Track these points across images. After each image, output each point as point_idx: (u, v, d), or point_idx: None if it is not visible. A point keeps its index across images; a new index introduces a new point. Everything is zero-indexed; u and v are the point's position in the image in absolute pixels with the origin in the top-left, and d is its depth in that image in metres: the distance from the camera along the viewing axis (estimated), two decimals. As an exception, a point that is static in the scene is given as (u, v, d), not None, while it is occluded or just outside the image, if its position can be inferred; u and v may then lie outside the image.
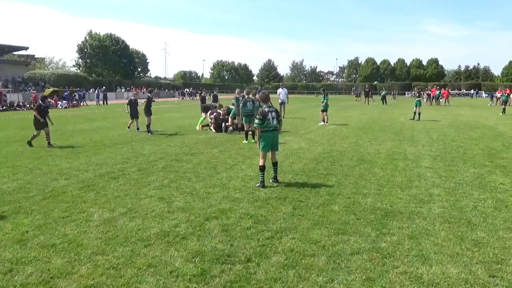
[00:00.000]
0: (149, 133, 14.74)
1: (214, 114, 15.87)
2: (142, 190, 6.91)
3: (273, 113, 7.29)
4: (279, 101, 22.56)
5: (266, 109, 7.28)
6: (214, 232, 4.94)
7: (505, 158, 9.97)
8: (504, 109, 26.46)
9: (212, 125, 15.67)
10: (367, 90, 45.35)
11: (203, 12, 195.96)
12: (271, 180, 7.40)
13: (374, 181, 7.58)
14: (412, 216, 5.58)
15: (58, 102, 36.91)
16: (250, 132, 12.83)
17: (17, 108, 33.32)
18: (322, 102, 18.79)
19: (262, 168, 7.19)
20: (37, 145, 12.08)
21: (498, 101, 39.00)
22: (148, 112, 15.08)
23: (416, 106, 21.22)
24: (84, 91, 45.61)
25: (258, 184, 7.14)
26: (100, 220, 5.36)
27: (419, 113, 20.98)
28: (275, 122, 7.27)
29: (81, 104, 40.82)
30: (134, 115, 15.70)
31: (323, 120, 18.74)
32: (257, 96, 13.36)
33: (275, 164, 7.48)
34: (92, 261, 4.15)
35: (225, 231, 4.99)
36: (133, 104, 15.79)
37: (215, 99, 21.61)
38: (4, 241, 4.67)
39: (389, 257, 4.27)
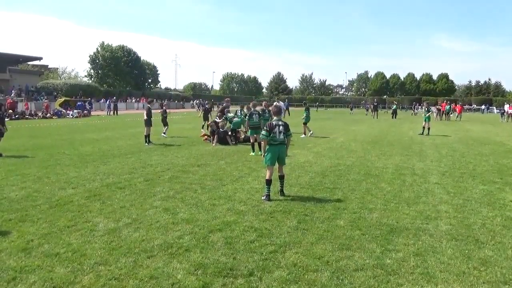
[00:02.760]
0: (147, 144, 14.83)
1: (213, 129, 15.83)
2: (148, 200, 6.93)
3: (281, 127, 7.23)
4: None
5: (274, 122, 7.27)
6: (218, 245, 4.93)
7: (515, 175, 9.82)
8: None
9: (214, 139, 15.46)
10: (375, 104, 45.43)
11: (214, 25, 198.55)
12: (279, 193, 7.37)
13: (381, 196, 7.51)
14: (418, 232, 5.50)
15: (69, 111, 37.50)
16: (257, 144, 12.90)
17: (28, 117, 33.83)
18: (304, 116, 19.46)
19: (268, 182, 7.15)
20: (46, 153, 12.24)
21: (510, 117, 38.63)
22: (148, 123, 15.23)
23: (425, 121, 21.11)
24: (90, 101, 46.15)
25: (264, 198, 7.09)
26: (105, 230, 5.39)
27: (429, 128, 20.85)
28: (281, 136, 7.22)
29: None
30: (164, 123, 18.06)
31: (304, 133, 19.21)
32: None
33: (281, 178, 7.44)
34: (95, 271, 4.16)
35: (228, 244, 4.97)
36: (163, 113, 18.27)
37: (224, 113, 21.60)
38: (9, 249, 4.70)
39: (394, 274, 4.21)
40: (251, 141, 13.15)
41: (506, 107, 39.70)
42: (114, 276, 4.04)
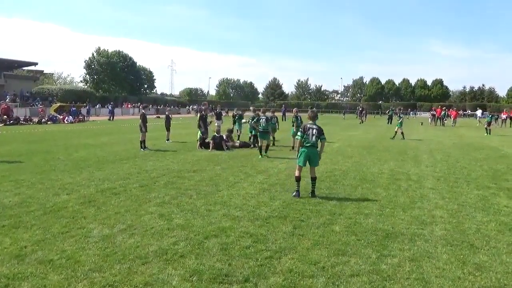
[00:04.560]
0: (143, 150, 14.78)
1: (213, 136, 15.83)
2: (143, 206, 6.90)
3: (315, 130, 7.63)
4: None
5: (308, 125, 7.71)
6: (213, 251, 4.90)
7: (510, 180, 9.89)
8: (487, 129, 27.17)
9: (211, 144, 15.42)
10: (360, 109, 45.95)
11: (210, 31, 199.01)
12: (310, 194, 7.69)
13: (376, 201, 7.53)
14: (413, 238, 5.51)
15: (65, 117, 37.24)
16: (264, 147, 13.65)
17: (23, 122, 33.61)
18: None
19: (297, 179, 7.65)
20: (41, 159, 12.16)
21: (504, 123, 39.11)
22: (143, 128, 15.15)
23: (397, 126, 21.96)
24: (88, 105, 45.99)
25: (294, 194, 7.61)
26: (99, 236, 5.35)
27: (396, 132, 21.69)
28: (313, 139, 7.60)
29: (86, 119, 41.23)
30: (167, 128, 18.61)
31: None
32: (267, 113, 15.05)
33: (313, 179, 7.74)
34: (88, 278, 4.12)
35: (224, 249, 4.95)
36: (167, 118, 18.95)
37: (219, 117, 21.62)
38: (2, 256, 4.65)
39: (389, 279, 4.21)
40: (259, 144, 13.63)
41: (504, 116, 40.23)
42: (109, 283, 4.01)
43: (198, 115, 17.98)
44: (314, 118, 7.91)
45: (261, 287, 4.00)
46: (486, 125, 27.58)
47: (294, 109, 17.62)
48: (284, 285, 4.03)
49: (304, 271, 4.37)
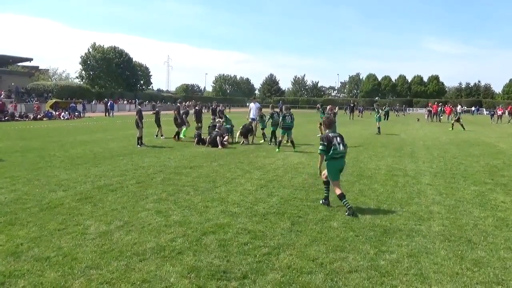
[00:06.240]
0: (139, 146, 14.72)
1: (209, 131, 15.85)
2: (140, 203, 6.86)
3: (338, 138, 6.67)
4: (250, 118, 19.41)
5: (331, 134, 6.67)
6: (211, 247, 4.88)
7: (506, 176, 9.92)
8: (453, 124, 27.76)
9: (207, 140, 15.39)
10: (352, 105, 45.76)
11: (206, 27, 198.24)
12: (321, 201, 6.95)
13: (374, 197, 7.53)
14: (411, 233, 5.51)
15: (61, 114, 37.03)
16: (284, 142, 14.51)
17: (18, 119, 33.38)
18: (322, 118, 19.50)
19: (342, 197, 6.46)
20: (36, 155, 12.08)
21: (500, 119, 39.40)
22: (139, 124, 15.08)
23: (376, 121, 22.82)
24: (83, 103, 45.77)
25: (348, 209, 6.38)
26: (96, 233, 5.31)
27: (378, 128, 22.50)
28: (341, 147, 6.65)
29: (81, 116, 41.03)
30: (157, 124, 17.98)
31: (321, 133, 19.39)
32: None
33: (327, 183, 6.92)
34: (86, 275, 4.09)
35: (222, 246, 4.93)
36: (156, 114, 18.24)
37: (214, 113, 21.58)
38: (-2, 253, 4.61)
39: (388, 275, 4.20)
40: (279, 139, 14.41)
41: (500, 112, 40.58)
42: (106, 280, 3.98)
43: (176, 112, 17.70)
44: (331, 125, 6.89)
45: (259, 283, 3.98)
46: (456, 120, 27.93)
47: (329, 106, 17.52)
48: (283, 282, 4.02)
49: (302, 267, 4.36)
